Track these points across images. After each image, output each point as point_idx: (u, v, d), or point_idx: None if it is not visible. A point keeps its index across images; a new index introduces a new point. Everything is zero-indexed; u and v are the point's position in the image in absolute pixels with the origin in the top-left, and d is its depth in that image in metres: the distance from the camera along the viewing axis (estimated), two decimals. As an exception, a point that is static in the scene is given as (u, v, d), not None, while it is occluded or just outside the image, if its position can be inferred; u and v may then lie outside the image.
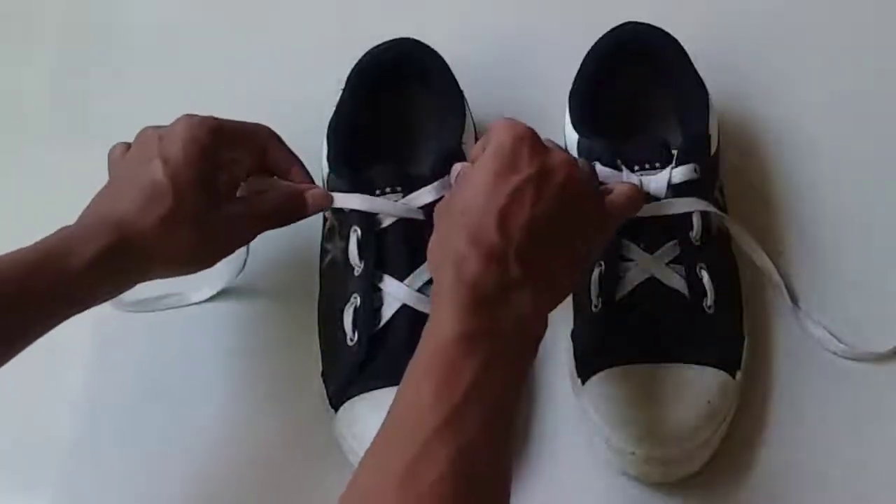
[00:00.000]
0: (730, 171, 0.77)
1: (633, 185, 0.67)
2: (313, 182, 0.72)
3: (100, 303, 0.65)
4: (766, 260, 0.74)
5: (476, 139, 0.76)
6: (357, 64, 0.76)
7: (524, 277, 0.58)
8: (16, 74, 0.92)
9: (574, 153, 0.73)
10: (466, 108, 0.76)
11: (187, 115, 0.68)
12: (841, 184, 0.79)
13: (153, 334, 0.77)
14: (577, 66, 0.75)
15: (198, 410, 0.74)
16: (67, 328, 0.65)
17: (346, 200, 0.71)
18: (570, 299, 0.74)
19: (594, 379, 0.69)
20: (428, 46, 0.76)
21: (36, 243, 0.63)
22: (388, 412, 0.55)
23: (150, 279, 0.67)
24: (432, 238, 0.62)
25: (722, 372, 0.69)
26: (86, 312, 0.64)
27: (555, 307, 0.62)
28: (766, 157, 0.80)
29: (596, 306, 0.70)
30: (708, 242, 0.71)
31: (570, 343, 0.72)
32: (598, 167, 0.70)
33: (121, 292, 0.66)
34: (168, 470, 0.73)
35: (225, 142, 0.67)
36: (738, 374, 0.70)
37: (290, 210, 0.70)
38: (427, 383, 0.54)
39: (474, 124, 0.76)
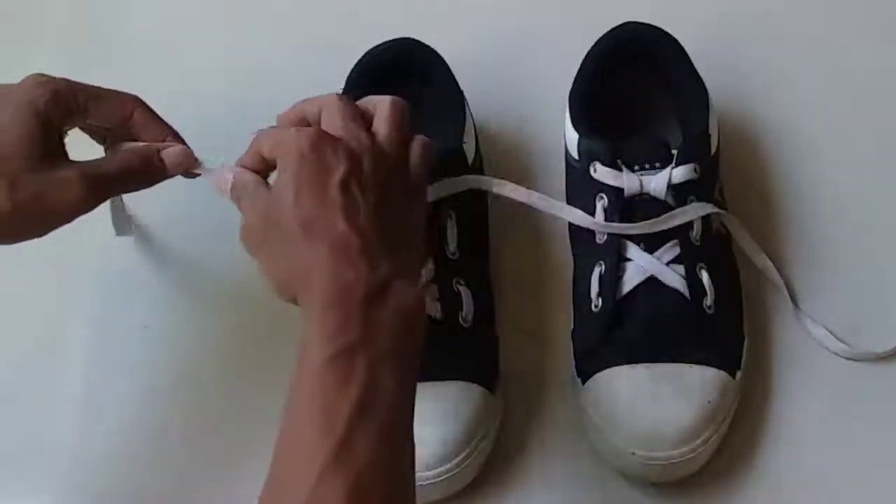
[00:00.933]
0: (730, 171, 0.77)
1: (422, 138, 0.63)
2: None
3: None
4: (766, 260, 0.74)
5: (476, 139, 0.76)
6: (357, 64, 0.76)
7: (391, 265, 0.56)
8: (16, 74, 0.91)
9: (574, 153, 0.73)
10: (466, 108, 0.76)
11: (37, 74, 0.64)
12: (841, 184, 0.79)
13: (153, 334, 0.77)
14: (577, 66, 0.75)
15: (197, 410, 0.74)
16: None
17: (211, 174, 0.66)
18: (570, 299, 0.74)
19: (594, 379, 0.69)
20: (428, 46, 0.76)
21: None
22: (275, 449, 0.53)
23: None
24: (271, 268, 0.59)
25: (722, 372, 0.69)
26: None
27: (420, 287, 0.59)
28: (766, 157, 0.80)
29: (596, 306, 0.70)
30: (708, 242, 0.71)
31: (570, 343, 0.72)
32: (599, 167, 0.70)
33: None
34: (168, 470, 0.73)
35: (71, 106, 0.64)
36: (738, 374, 0.70)
37: (142, 170, 0.65)
38: (308, 416, 0.52)
39: (474, 124, 0.76)
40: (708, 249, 0.70)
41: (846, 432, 0.70)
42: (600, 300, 0.70)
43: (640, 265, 0.70)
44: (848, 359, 0.72)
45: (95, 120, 0.65)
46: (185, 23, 0.91)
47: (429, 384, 0.65)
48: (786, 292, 0.74)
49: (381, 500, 0.51)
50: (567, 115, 0.75)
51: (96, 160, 0.65)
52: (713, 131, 0.74)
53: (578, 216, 0.71)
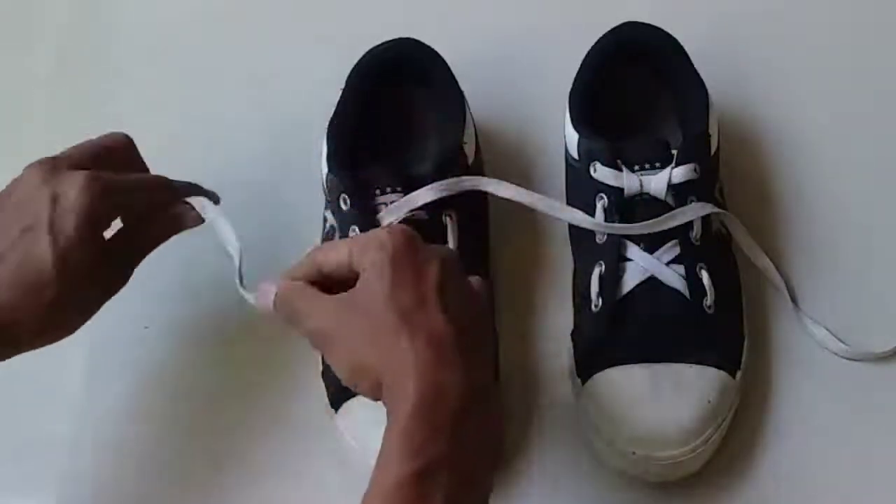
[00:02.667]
0: (730, 171, 0.77)
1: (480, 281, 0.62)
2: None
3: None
4: (766, 260, 0.74)
5: (476, 139, 0.76)
6: (357, 64, 0.76)
7: (481, 369, 0.55)
8: (16, 74, 0.92)
9: (574, 153, 0.73)
10: (466, 107, 0.76)
11: (83, 177, 0.62)
12: (841, 183, 0.79)
13: (152, 334, 0.77)
14: (577, 66, 0.75)
15: (196, 410, 0.74)
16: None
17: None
18: (570, 299, 0.74)
19: (594, 379, 0.69)
20: (428, 46, 0.76)
21: None
22: None
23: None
24: (342, 356, 0.57)
25: (722, 372, 0.69)
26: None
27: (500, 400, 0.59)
28: (766, 157, 0.80)
29: (596, 306, 0.70)
30: (708, 242, 0.71)
31: (570, 343, 0.72)
32: (599, 167, 0.70)
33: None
34: (167, 470, 0.73)
35: (121, 204, 0.65)
36: (738, 374, 0.70)
37: (167, 233, 0.69)
38: None
39: (474, 124, 0.76)
40: (708, 249, 0.71)
41: (846, 432, 0.70)
42: (600, 300, 0.70)
43: (640, 265, 0.70)
44: (848, 359, 0.72)
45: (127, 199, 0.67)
46: (185, 23, 0.91)
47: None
48: (786, 292, 0.74)
49: None
50: (567, 115, 0.75)
51: (124, 237, 0.67)
52: (713, 131, 0.74)
53: (578, 217, 0.71)
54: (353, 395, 0.69)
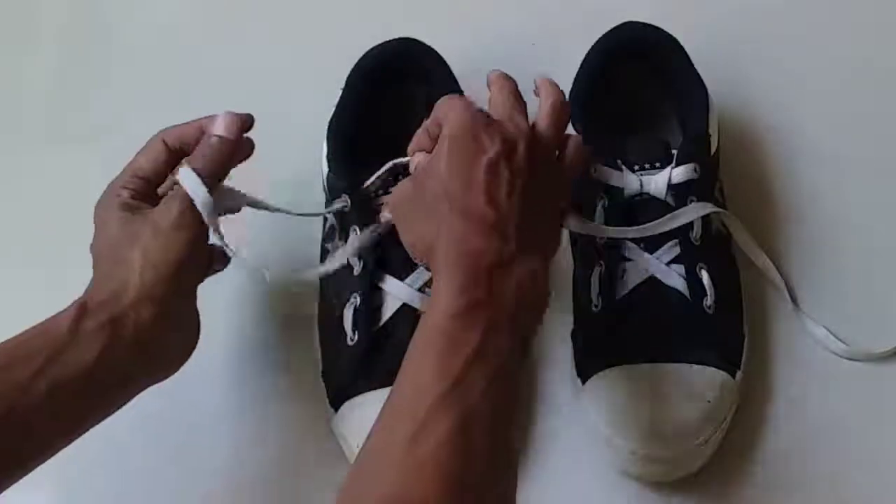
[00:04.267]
0: (730, 171, 0.77)
1: (578, 138, 0.66)
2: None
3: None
4: (766, 260, 0.74)
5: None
6: (357, 63, 0.76)
7: (520, 246, 0.59)
8: (16, 74, 0.92)
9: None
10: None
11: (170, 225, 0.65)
12: (841, 183, 0.79)
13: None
14: (577, 66, 0.75)
15: (196, 410, 0.74)
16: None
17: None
18: (570, 299, 0.74)
19: (594, 379, 0.69)
20: (428, 46, 0.76)
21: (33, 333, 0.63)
22: (392, 389, 0.56)
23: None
24: (406, 230, 0.63)
25: (722, 372, 0.69)
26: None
27: (547, 271, 0.61)
28: (766, 157, 0.80)
29: (596, 306, 0.70)
30: (708, 242, 0.71)
31: (570, 343, 0.72)
32: (599, 167, 0.70)
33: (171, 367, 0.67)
34: (167, 470, 0.73)
35: (202, 247, 0.67)
36: (738, 374, 0.70)
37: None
38: (427, 358, 0.55)
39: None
40: (708, 249, 0.70)
41: (846, 432, 0.70)
42: (600, 300, 0.70)
43: (640, 265, 0.70)
44: (848, 359, 0.72)
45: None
46: (186, 23, 0.91)
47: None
48: (786, 292, 0.74)
49: (485, 437, 0.53)
50: (567, 114, 0.75)
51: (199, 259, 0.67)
52: (713, 131, 0.74)
53: (589, 227, 0.71)
54: (353, 395, 0.69)
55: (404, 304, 0.70)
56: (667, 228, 0.69)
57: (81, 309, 0.62)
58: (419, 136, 0.66)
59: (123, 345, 0.62)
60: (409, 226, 0.63)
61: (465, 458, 0.52)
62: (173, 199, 0.65)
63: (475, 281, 0.57)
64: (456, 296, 0.56)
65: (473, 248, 0.58)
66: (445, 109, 0.63)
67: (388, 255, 0.70)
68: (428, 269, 0.62)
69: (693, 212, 0.69)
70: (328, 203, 0.74)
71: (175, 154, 0.68)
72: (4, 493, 0.73)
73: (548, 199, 0.63)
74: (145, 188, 0.67)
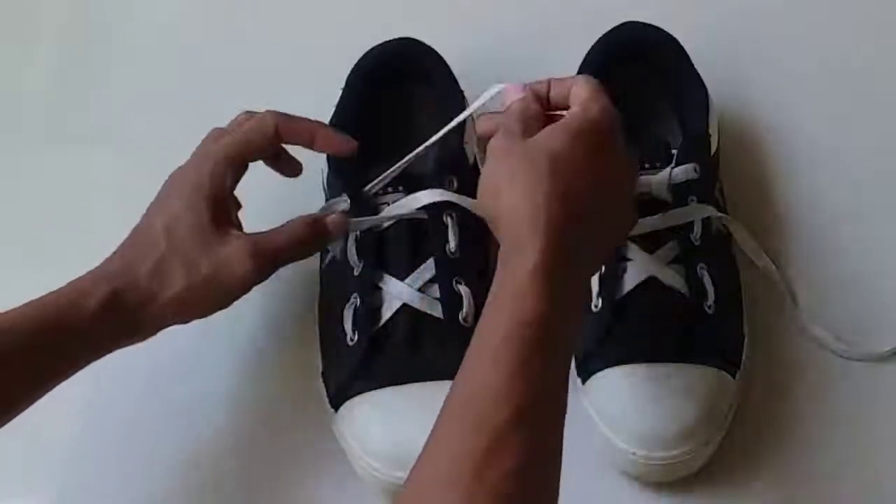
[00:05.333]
0: (730, 171, 0.77)
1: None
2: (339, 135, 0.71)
3: (116, 347, 0.67)
4: (767, 260, 0.74)
5: (476, 139, 0.76)
6: (357, 64, 0.76)
7: (594, 244, 0.59)
8: (16, 74, 0.92)
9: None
10: (467, 108, 0.76)
11: (201, 151, 0.69)
12: (841, 183, 0.79)
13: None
14: (577, 66, 0.75)
15: (196, 411, 0.74)
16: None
17: (357, 225, 0.71)
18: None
19: (594, 379, 0.69)
20: (428, 46, 0.76)
21: (45, 295, 0.64)
22: (455, 385, 0.55)
23: (163, 327, 0.67)
24: (497, 171, 0.60)
25: (722, 372, 0.69)
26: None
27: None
28: (766, 157, 0.80)
29: (596, 306, 0.70)
30: (708, 242, 0.71)
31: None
32: None
33: (135, 338, 0.67)
34: (167, 470, 0.73)
35: (234, 167, 0.68)
36: (738, 374, 0.70)
37: (309, 240, 0.69)
38: (499, 367, 0.53)
39: (474, 124, 0.76)
40: (708, 249, 0.70)
41: (846, 432, 0.70)
42: (600, 300, 0.70)
43: (640, 265, 0.70)
44: (848, 359, 0.72)
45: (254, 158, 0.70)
46: (186, 23, 0.91)
47: (438, 383, 0.65)
48: (786, 292, 0.74)
49: (551, 466, 0.55)
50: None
51: (264, 233, 0.68)
52: (713, 131, 0.74)
53: None
54: (353, 395, 0.69)
55: (404, 305, 0.69)
56: (662, 226, 0.69)
57: (112, 297, 0.64)
58: (554, 85, 0.65)
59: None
60: (509, 173, 0.59)
61: (533, 489, 0.53)
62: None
63: (558, 250, 0.56)
64: (542, 251, 0.55)
65: (557, 220, 0.57)
66: (587, 85, 0.63)
67: (388, 255, 0.70)
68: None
69: (688, 213, 0.69)
70: (327, 203, 0.74)
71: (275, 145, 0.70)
72: (4, 493, 0.73)
73: (621, 224, 0.64)
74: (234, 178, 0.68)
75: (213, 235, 0.66)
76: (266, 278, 0.68)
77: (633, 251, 0.70)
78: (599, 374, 0.69)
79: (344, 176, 0.72)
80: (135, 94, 0.88)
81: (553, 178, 0.58)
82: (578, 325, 0.59)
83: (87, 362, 0.66)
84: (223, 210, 0.68)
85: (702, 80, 0.74)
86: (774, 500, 0.69)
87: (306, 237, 0.69)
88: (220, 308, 0.68)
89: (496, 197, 0.59)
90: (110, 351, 0.66)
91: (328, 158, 0.74)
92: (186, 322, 0.67)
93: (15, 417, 0.64)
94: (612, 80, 0.75)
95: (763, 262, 0.74)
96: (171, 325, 0.67)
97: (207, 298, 0.67)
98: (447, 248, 0.70)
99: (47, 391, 0.65)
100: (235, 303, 0.67)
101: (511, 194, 0.58)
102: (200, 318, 0.68)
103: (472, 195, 0.68)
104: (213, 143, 0.69)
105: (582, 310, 0.59)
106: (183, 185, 0.67)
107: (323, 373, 0.72)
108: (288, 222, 0.69)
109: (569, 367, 0.57)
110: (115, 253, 0.68)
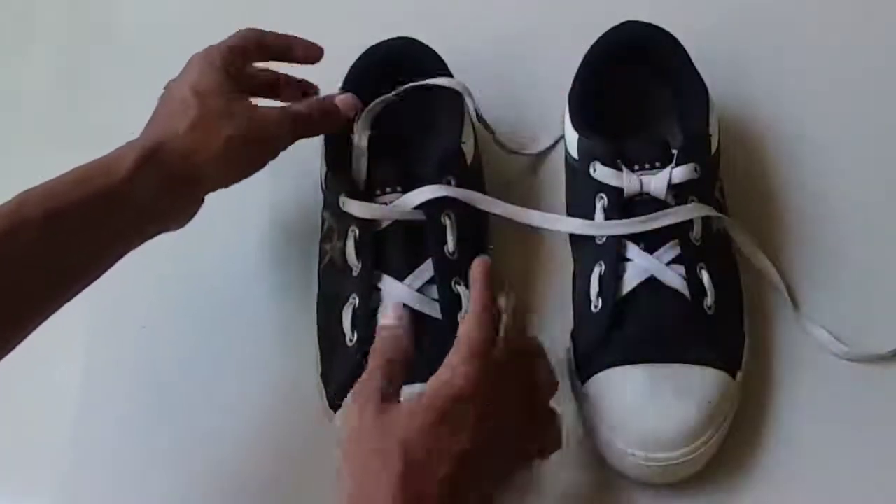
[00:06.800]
0: (730, 170, 0.77)
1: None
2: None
3: (156, 223, 0.66)
4: (766, 262, 0.74)
5: (476, 139, 0.76)
6: (356, 63, 0.76)
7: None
8: (16, 74, 0.92)
9: (574, 153, 0.73)
10: (466, 107, 0.76)
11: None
12: (842, 183, 0.79)
13: (151, 335, 0.77)
14: (578, 66, 0.75)
15: (196, 411, 0.74)
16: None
17: (350, 207, 0.71)
18: (570, 299, 0.74)
19: (594, 379, 0.69)
20: (427, 46, 0.76)
21: (72, 170, 0.65)
22: None
23: (205, 191, 0.68)
24: (350, 454, 0.59)
25: (722, 372, 0.69)
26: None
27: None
28: (767, 157, 0.80)
29: (596, 306, 0.70)
30: (708, 242, 0.71)
31: (570, 343, 0.72)
32: (599, 167, 0.70)
33: (181, 216, 0.67)
34: (166, 471, 0.73)
35: (238, 56, 0.72)
36: (738, 374, 0.70)
37: (325, 114, 0.72)
38: None
39: (473, 124, 0.76)
40: (708, 249, 0.70)
41: (846, 433, 0.70)
42: (600, 300, 0.70)
43: (640, 265, 0.69)
44: (848, 360, 0.72)
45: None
46: (185, 23, 0.91)
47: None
48: (786, 293, 0.74)
49: None
50: (567, 115, 0.75)
51: (288, 104, 0.73)
52: (713, 131, 0.74)
53: (575, 225, 0.71)
54: (353, 395, 0.69)
55: (403, 305, 0.69)
56: (657, 225, 0.69)
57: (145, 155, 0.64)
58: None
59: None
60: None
61: None
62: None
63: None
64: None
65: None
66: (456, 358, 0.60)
67: (386, 256, 0.70)
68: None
69: (686, 212, 0.69)
70: (326, 203, 0.74)
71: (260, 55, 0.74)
72: (4, 493, 0.73)
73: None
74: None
75: (243, 100, 0.69)
76: (291, 143, 0.71)
77: (633, 251, 0.70)
78: (599, 375, 0.69)
79: (343, 176, 0.72)
80: (135, 94, 0.88)
81: (405, 474, 0.56)
82: None
83: (133, 237, 0.65)
84: (238, 80, 0.70)
85: (702, 80, 0.74)
86: (774, 501, 0.69)
87: (323, 111, 0.72)
88: (256, 169, 0.69)
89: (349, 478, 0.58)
90: (151, 228, 0.66)
91: (327, 158, 0.74)
92: (225, 186, 0.68)
93: (73, 296, 0.63)
94: (612, 79, 0.75)
95: (763, 264, 0.74)
96: (209, 190, 0.68)
97: (246, 156, 0.68)
98: (445, 249, 0.70)
99: (100, 269, 0.64)
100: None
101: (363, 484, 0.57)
102: (236, 180, 0.69)
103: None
104: (208, 47, 0.72)
105: None
106: (199, 63, 0.70)
107: (322, 373, 0.72)
108: (305, 100, 0.74)
109: None
110: (144, 128, 0.68)
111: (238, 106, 0.68)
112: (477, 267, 0.64)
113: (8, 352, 0.61)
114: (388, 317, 0.66)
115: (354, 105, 0.73)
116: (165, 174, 0.65)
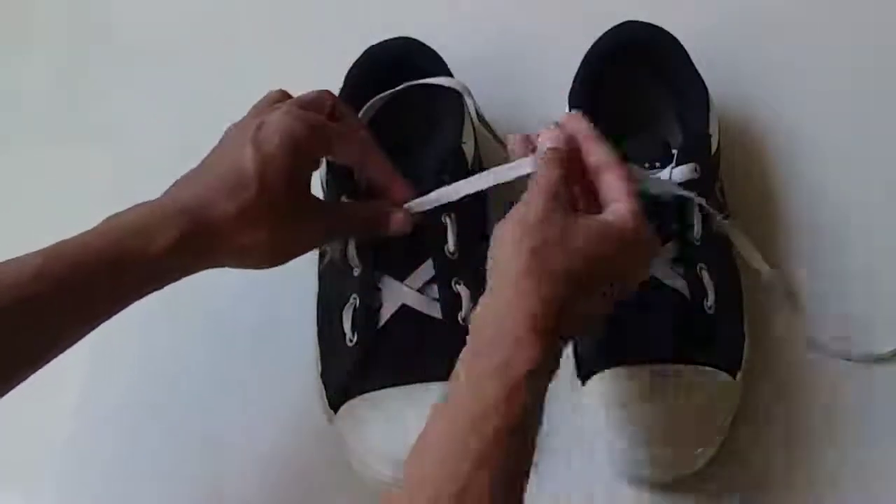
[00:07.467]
0: (730, 170, 0.77)
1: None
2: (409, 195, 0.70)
3: (170, 282, 0.65)
4: (762, 262, 0.74)
5: (476, 139, 0.76)
6: (357, 63, 0.76)
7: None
8: (16, 74, 0.92)
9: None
10: (465, 107, 0.76)
11: (290, 104, 0.67)
12: (841, 183, 0.79)
13: (151, 335, 0.77)
14: (578, 66, 0.75)
15: (196, 411, 0.74)
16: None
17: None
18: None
19: (594, 379, 0.69)
20: (427, 46, 0.76)
21: (109, 222, 0.62)
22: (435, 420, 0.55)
23: (220, 266, 0.66)
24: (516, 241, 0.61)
25: (722, 372, 0.69)
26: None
27: None
28: (767, 157, 0.80)
29: (596, 306, 0.70)
30: (708, 242, 0.71)
31: (570, 343, 0.72)
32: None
33: (190, 273, 0.66)
34: (166, 471, 0.73)
35: (323, 142, 0.67)
36: (738, 374, 0.70)
37: (372, 226, 0.69)
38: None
39: (473, 124, 0.76)
40: (708, 249, 0.70)
41: (846, 433, 0.70)
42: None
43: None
44: (848, 360, 0.72)
45: (337, 157, 0.70)
46: (185, 23, 0.91)
47: (437, 383, 0.65)
48: (786, 293, 0.74)
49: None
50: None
51: (336, 205, 0.71)
52: (713, 131, 0.74)
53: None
54: (352, 396, 0.69)
55: (403, 305, 0.69)
56: (667, 189, 0.69)
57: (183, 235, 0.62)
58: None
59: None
60: (535, 248, 0.60)
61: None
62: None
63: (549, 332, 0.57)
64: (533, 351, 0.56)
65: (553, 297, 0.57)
66: (618, 191, 0.62)
67: (387, 256, 0.70)
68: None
69: (686, 187, 0.69)
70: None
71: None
72: (4, 492, 0.73)
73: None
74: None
75: (303, 193, 0.66)
76: (322, 245, 0.71)
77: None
78: (599, 375, 0.69)
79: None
80: (134, 94, 0.88)
81: (578, 276, 0.58)
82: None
83: (149, 292, 0.64)
84: (308, 170, 0.67)
85: (702, 80, 0.74)
86: (774, 501, 0.69)
87: (369, 224, 0.69)
88: (280, 264, 0.67)
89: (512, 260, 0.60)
90: (163, 285, 0.64)
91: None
92: (245, 268, 0.67)
93: (77, 342, 0.62)
94: (612, 79, 0.75)
95: (760, 265, 0.74)
96: (228, 266, 0.66)
97: (278, 255, 0.66)
98: (446, 249, 0.70)
99: (109, 317, 0.63)
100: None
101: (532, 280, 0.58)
102: (254, 268, 0.67)
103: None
104: (303, 111, 0.67)
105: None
106: (276, 128, 0.64)
107: (322, 373, 0.72)
108: (363, 203, 0.70)
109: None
110: (189, 180, 0.65)
111: (293, 203, 0.65)
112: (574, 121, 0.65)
113: (22, 381, 0.62)
114: (552, 139, 0.65)
115: (402, 228, 0.69)
116: (193, 259, 0.64)
